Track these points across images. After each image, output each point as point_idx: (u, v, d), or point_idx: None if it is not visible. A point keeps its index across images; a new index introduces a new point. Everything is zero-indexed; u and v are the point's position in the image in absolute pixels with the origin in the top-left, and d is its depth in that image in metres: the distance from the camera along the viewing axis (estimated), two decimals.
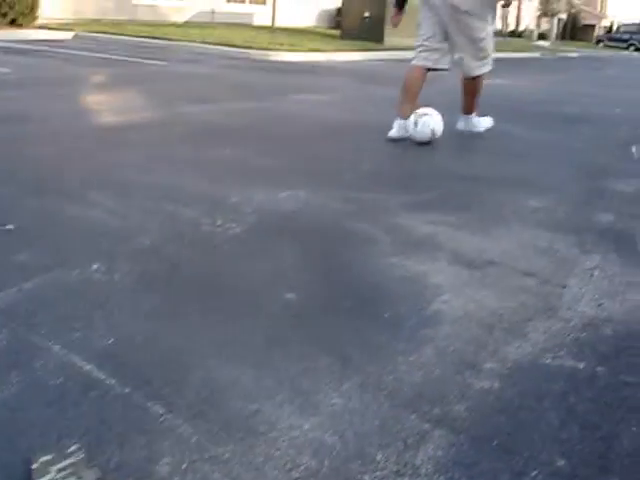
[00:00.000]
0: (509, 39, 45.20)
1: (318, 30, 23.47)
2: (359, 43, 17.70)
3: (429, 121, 4.77)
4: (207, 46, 13.86)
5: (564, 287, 2.34)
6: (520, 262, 2.55)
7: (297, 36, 18.65)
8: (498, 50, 19.68)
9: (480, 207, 3.31)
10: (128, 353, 1.71)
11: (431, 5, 4.86)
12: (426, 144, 4.78)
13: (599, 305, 2.22)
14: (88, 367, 1.63)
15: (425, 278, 2.33)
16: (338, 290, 2.21)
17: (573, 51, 32.80)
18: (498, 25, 54.30)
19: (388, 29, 19.91)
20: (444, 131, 4.83)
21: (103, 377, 1.59)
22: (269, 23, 20.37)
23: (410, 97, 4.95)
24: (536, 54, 25.58)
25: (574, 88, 11.48)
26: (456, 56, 5.03)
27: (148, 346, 1.75)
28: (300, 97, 7.45)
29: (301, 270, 2.36)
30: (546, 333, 1.99)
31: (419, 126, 4.76)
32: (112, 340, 1.76)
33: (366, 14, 20.23)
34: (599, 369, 1.81)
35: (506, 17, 57.15)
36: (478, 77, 5.12)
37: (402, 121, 4.87)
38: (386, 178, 3.87)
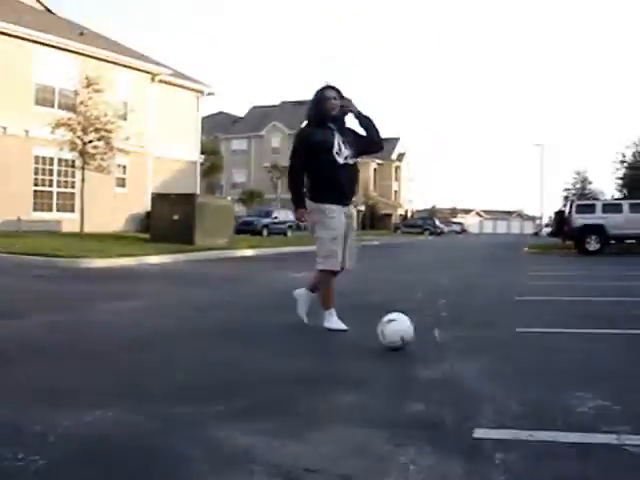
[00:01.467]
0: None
1: (128, 235, 23.58)
2: (170, 245, 17.92)
3: (397, 327, 4.80)
4: (12, 256, 13.47)
5: None
6: (337, 465, 2.54)
7: (107, 241, 18.62)
8: (302, 244, 20.56)
9: (298, 410, 3.31)
10: None
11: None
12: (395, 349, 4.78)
13: None
14: None
15: None
16: None
17: (374, 239, 35.19)
18: None
19: (198, 230, 20.44)
20: (264, 328, 4.88)
21: None
22: (78, 230, 20.26)
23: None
24: None
25: (378, 275, 12.17)
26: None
27: None
28: (110, 305, 7.31)
29: None
30: None
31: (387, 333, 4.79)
32: None
33: (175, 217, 20.70)
34: None
35: None
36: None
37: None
38: (201, 387, 3.80)
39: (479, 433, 2.94)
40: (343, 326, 5.69)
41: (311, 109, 5.79)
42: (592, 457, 2.68)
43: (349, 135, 5.77)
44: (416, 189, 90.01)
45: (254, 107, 73.11)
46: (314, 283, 5.88)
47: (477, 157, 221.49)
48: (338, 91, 5.71)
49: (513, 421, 3.14)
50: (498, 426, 3.06)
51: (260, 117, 69.19)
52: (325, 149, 5.58)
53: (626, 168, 36.03)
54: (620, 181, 37.46)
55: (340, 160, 5.60)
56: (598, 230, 23.33)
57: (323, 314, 5.79)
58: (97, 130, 20.36)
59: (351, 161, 5.68)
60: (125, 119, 24.29)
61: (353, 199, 5.87)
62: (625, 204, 24.27)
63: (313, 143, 5.63)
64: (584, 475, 2.48)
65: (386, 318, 4.86)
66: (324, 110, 5.67)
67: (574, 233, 23.87)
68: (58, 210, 24.28)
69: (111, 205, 25.51)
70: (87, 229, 20.51)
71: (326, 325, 5.72)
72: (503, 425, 3.07)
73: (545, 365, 4.51)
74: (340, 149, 5.62)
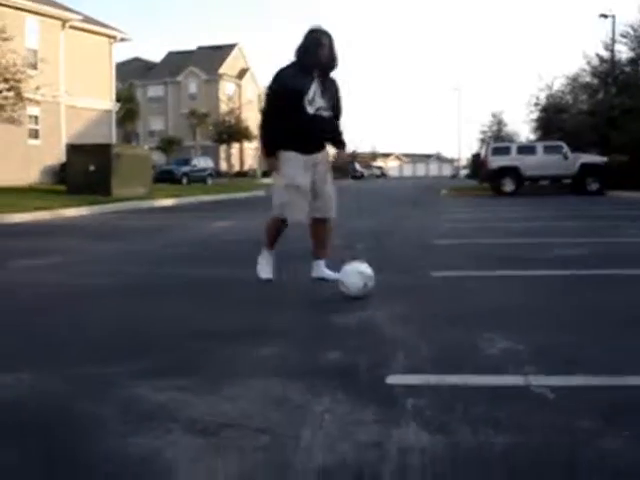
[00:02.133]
0: (236, 179, 47.43)
1: (43, 187, 22.89)
2: (86, 197, 17.53)
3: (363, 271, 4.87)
4: None
5: (297, 438, 2.40)
6: (254, 419, 2.58)
7: (21, 195, 18.06)
8: (224, 191, 20.55)
9: (214, 365, 3.33)
10: None
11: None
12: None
13: (332, 452, 2.29)
14: None
15: (159, 454, 2.27)
16: None
17: None
18: (223, 167, 57.03)
19: (115, 181, 20.02)
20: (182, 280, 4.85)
21: None
22: None
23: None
24: (261, 192, 26.95)
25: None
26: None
27: None
28: (23, 263, 7.13)
29: (26, 473, 2.19)
30: None
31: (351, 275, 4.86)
32: None
33: (91, 167, 20.21)
34: None
35: (229, 158, 60.18)
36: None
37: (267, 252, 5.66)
38: (116, 346, 3.77)
39: (392, 379, 3.02)
40: (268, 269, 5.64)
41: (301, 50, 5.40)
42: (500, 399, 2.80)
43: (331, 89, 5.53)
44: None
45: (170, 53, 71.19)
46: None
47: (395, 101, 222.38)
48: (331, 39, 5.38)
49: (425, 366, 3.24)
50: (410, 371, 3.16)
51: (177, 63, 67.47)
52: (297, 95, 5.31)
53: (540, 111, 36.81)
54: (535, 123, 38.30)
55: (310, 110, 5.34)
56: (513, 172, 23.95)
57: (262, 252, 5.72)
58: (6, 80, 19.51)
59: (325, 113, 5.42)
60: (35, 68, 23.37)
61: (325, 148, 5.63)
62: (539, 146, 24.96)
63: (289, 87, 5.35)
64: (492, 417, 2.58)
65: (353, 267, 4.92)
66: (315, 56, 5.34)
67: (490, 175, 24.45)
68: None
69: (24, 157, 24.68)
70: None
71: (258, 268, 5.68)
72: (415, 370, 3.17)
73: (458, 308, 4.65)
74: (313, 98, 5.35)
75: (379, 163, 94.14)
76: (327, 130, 5.54)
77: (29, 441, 2.43)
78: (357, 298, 4.79)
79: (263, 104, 5.62)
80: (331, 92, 5.50)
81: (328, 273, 5.55)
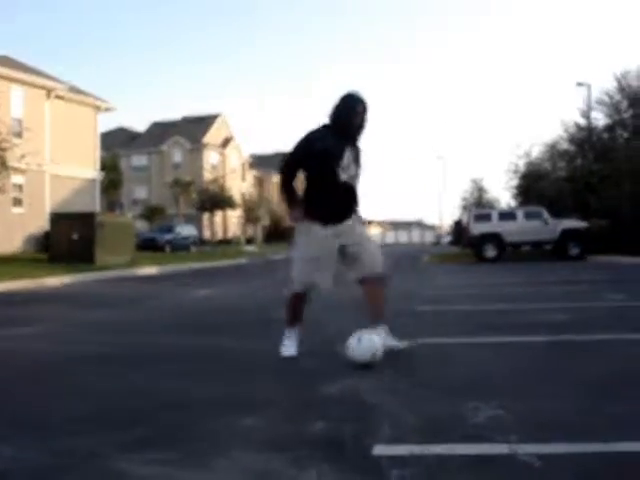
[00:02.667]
0: (220, 247, 47.47)
1: (26, 256, 22.82)
2: (70, 266, 17.48)
3: (374, 340, 4.78)
4: None
5: None
6: None
7: (2, 264, 17.97)
8: (207, 259, 20.48)
9: (199, 437, 3.30)
10: None
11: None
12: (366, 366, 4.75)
13: None
14: None
15: None
16: None
17: (279, 252, 35.28)
18: (206, 234, 57.15)
19: (98, 249, 20.01)
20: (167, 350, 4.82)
21: None
22: None
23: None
24: (243, 260, 26.96)
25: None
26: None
27: None
28: (4, 332, 7.07)
29: None
30: None
31: (363, 342, 4.74)
32: None
33: (74, 236, 20.22)
34: None
35: (212, 226, 60.37)
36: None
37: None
38: (100, 417, 3.73)
39: (378, 450, 3.01)
40: (292, 352, 5.31)
41: (336, 114, 5.20)
42: (486, 468, 2.80)
43: (359, 156, 5.37)
44: None
45: (154, 123, 72.05)
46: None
47: (377, 168, 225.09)
48: (365, 106, 5.21)
49: (410, 435, 3.23)
50: (395, 441, 3.15)
51: (161, 132, 68.23)
52: (332, 159, 5.10)
53: (519, 178, 37.48)
54: (515, 190, 38.90)
55: (343, 176, 5.15)
56: (495, 238, 24.20)
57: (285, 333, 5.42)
58: None
59: (354, 182, 5.28)
60: (20, 137, 23.53)
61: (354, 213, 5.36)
62: (519, 212, 25.28)
63: (321, 148, 5.09)
64: None
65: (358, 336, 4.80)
66: (349, 122, 5.19)
67: (472, 241, 24.69)
68: None
69: (7, 226, 24.66)
70: None
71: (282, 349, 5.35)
72: (400, 440, 3.16)
73: (443, 377, 4.65)
74: (348, 165, 5.18)
75: None
76: (353, 201, 5.36)
77: None
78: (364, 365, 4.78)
79: (286, 157, 5.29)
80: (358, 160, 5.34)
81: (395, 342, 5.40)
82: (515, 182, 38.03)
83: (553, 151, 35.96)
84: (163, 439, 3.27)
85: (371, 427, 3.38)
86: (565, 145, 34.61)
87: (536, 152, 37.55)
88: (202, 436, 3.32)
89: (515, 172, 37.48)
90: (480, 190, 52.38)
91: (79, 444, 3.18)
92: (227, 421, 3.56)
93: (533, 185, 34.73)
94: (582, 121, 32.53)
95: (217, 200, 52.93)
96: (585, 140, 31.95)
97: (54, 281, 14.79)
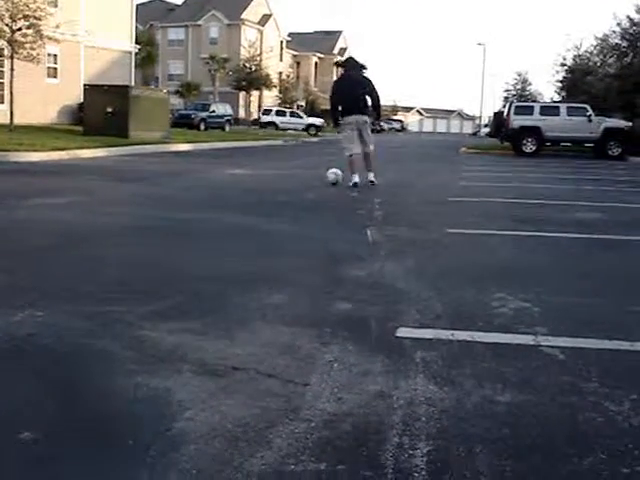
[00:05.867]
0: (253, 127, 47.15)
1: (60, 127, 22.85)
2: (104, 139, 17.46)
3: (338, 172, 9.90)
4: None
5: (305, 385, 2.42)
6: (264, 364, 2.60)
7: (38, 134, 18.02)
8: (240, 139, 20.30)
9: (225, 310, 3.35)
10: None
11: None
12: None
13: (339, 399, 2.32)
14: None
15: (170, 395, 2.30)
16: (80, 423, 2.11)
17: (314, 135, 35.03)
18: (241, 114, 56.59)
19: (133, 123, 19.95)
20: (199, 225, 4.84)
21: None
22: (7, 121, 19.52)
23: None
24: (279, 141, 26.81)
25: (316, 173, 12.14)
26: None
27: None
28: (40, 201, 7.16)
29: (38, 404, 2.23)
30: (289, 437, 2.04)
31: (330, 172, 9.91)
32: None
33: (109, 109, 20.12)
34: (339, 467, 1.89)
35: (248, 106, 59.72)
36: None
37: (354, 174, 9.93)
38: (131, 286, 3.80)
39: (402, 332, 3.03)
40: (356, 179, 9.68)
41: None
42: (509, 357, 2.81)
43: (364, 84, 10.24)
44: None
45: None
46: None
47: (419, 54, 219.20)
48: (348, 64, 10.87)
49: (436, 321, 3.25)
50: (421, 325, 3.17)
51: (198, 6, 66.52)
52: (347, 90, 10.16)
53: (566, 72, 36.16)
54: (559, 84, 37.65)
55: (353, 95, 10.13)
56: (535, 132, 23.62)
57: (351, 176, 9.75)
58: (26, 17, 19.27)
59: (359, 97, 10.14)
60: (56, 6, 23.10)
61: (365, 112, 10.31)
62: (563, 107, 24.50)
63: (340, 87, 10.48)
64: (499, 374, 2.60)
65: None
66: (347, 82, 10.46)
67: (511, 134, 24.13)
68: None
69: (42, 96, 24.55)
70: (17, 121, 19.73)
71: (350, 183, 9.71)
72: (426, 325, 3.18)
73: (471, 266, 4.65)
74: (356, 89, 10.13)
75: (400, 117, 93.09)
76: (364, 106, 10.30)
77: (45, 375, 2.46)
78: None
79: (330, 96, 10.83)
80: (364, 86, 10.22)
81: (372, 179, 10.02)
82: (561, 76, 36.72)
83: (604, 45, 34.45)
84: (190, 310, 3.32)
85: (397, 310, 3.40)
86: (617, 40, 33.10)
87: (586, 45, 36.05)
88: (228, 309, 3.36)
89: (562, 65, 36.12)
90: (524, 82, 50.83)
91: (108, 311, 3.25)
92: (254, 296, 3.60)
93: (580, 80, 33.54)
94: (636, 16, 30.95)
95: (253, 79, 52.07)
96: (638, 36, 30.50)
97: (88, 153, 14.83)
